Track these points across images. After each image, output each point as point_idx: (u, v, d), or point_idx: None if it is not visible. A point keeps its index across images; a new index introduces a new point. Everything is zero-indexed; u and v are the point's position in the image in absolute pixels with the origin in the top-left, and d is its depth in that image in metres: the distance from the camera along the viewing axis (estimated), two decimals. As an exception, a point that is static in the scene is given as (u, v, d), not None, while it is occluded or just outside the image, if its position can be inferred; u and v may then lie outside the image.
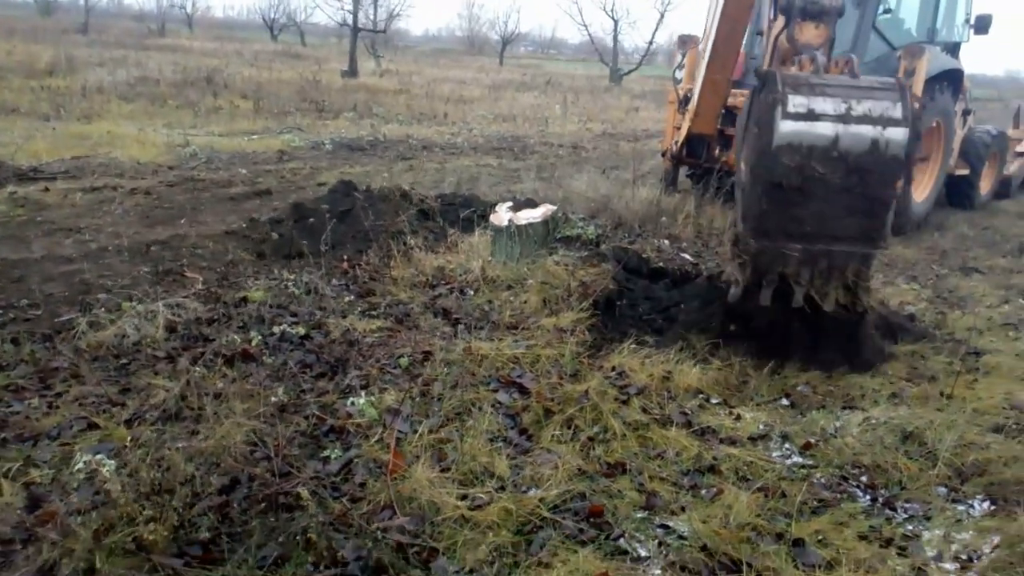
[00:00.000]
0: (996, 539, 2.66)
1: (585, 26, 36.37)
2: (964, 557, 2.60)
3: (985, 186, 9.60)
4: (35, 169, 7.35)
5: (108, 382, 3.42)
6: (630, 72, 36.97)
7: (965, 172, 9.04)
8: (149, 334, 3.84)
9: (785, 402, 3.76)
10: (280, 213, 5.97)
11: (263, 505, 2.53)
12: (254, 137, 10.88)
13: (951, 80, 7.75)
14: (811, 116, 3.62)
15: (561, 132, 15.53)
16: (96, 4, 48.28)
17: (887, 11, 7.73)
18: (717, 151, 7.62)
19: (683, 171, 8.78)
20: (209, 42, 37.07)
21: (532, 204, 5.77)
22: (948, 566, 2.55)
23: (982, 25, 8.54)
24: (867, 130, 3.63)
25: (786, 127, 3.64)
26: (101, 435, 2.97)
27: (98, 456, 2.77)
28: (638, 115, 19.48)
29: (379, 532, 2.47)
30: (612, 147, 14.05)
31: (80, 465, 2.73)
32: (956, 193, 9.20)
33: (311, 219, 5.70)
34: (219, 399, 3.23)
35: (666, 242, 6.37)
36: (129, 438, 2.91)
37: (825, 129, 3.63)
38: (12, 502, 2.53)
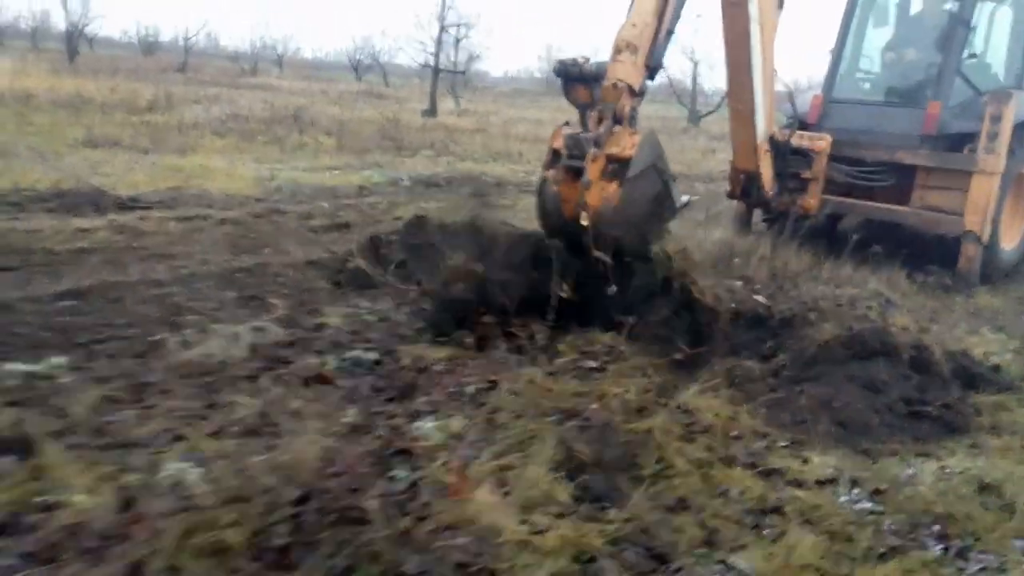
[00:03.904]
0: (1077, 597, 2.56)
1: (664, 68, 36.29)
2: (1041, 613, 2.50)
3: (1080, 237, 9.15)
4: (133, 199, 7.84)
5: (195, 397, 3.63)
6: (708, 114, 36.83)
7: (1057, 223, 8.67)
8: (233, 354, 4.06)
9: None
10: (356, 246, 6.21)
11: (334, 518, 2.65)
12: (336, 172, 11.34)
13: (1043, 128, 7.50)
14: None
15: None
16: (194, 45, 51.21)
17: (973, 55, 7.58)
18: (771, 192, 7.53)
19: (758, 214, 8.71)
20: (297, 81, 38.82)
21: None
22: (1023, 621, 2.47)
23: (1076, 71, 8.26)
24: None
25: None
26: (188, 446, 3.15)
27: (184, 465, 2.96)
28: (715, 157, 19.35)
29: (441, 549, 2.55)
30: (687, 188, 13.99)
31: (168, 472, 2.92)
32: (1049, 244, 8.81)
33: (386, 250, 5.92)
34: (296, 417, 3.39)
35: (739, 283, 6.32)
36: (212, 448, 3.09)
37: None
38: (106, 503, 2.71)
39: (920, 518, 3.05)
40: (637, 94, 4.94)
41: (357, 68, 53.23)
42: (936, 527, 3.00)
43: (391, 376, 4.04)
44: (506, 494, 2.95)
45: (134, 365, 3.93)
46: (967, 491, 3.22)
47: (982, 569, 2.77)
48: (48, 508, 2.68)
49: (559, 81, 5.26)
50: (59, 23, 47.61)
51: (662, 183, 4.82)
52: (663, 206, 4.90)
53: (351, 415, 3.51)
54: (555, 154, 4.93)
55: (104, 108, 15.67)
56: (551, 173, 4.86)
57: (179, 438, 3.23)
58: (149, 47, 51.14)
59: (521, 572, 2.53)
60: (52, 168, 8.50)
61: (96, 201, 7.35)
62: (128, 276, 5.48)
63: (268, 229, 7.23)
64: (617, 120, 4.74)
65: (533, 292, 4.77)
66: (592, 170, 4.59)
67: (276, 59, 58.01)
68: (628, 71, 4.84)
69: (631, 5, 5.12)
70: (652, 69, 5.10)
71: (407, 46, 50.14)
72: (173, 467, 2.95)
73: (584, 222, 4.53)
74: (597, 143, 4.64)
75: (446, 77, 32.68)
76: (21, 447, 3.01)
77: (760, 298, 5.78)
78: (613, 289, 4.70)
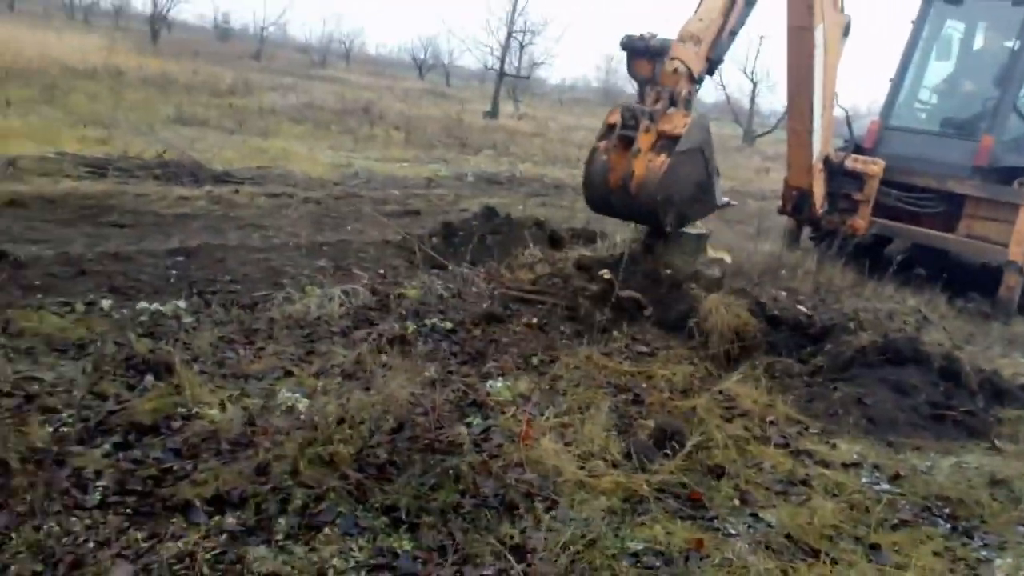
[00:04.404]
0: (1065, 572, 2.91)
1: (723, 86, 36.51)
2: (1031, 582, 2.87)
3: None
4: (227, 173, 8.53)
5: (297, 344, 4.17)
6: (764, 134, 36.78)
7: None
8: (328, 312, 4.59)
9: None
10: (431, 229, 6.73)
11: (423, 445, 3.14)
12: (405, 164, 11.95)
13: (1093, 166, 7.69)
14: None
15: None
16: (267, 34, 52.76)
17: (1030, 93, 7.80)
18: (822, 210, 7.82)
19: (807, 231, 9.00)
20: (364, 76, 39.90)
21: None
22: (1014, 586, 2.84)
23: None
24: None
25: None
26: (296, 381, 3.69)
27: (296, 394, 3.49)
28: (768, 176, 19.55)
29: (513, 479, 3.02)
30: (739, 203, 14.29)
31: (282, 400, 3.45)
32: (1096, 279, 8.94)
33: (458, 236, 6.43)
34: (385, 368, 3.90)
35: (783, 293, 6.66)
36: (318, 385, 3.61)
37: None
38: (233, 417, 3.24)
39: (933, 501, 3.42)
40: (696, 81, 5.30)
41: (421, 67, 54.26)
42: (947, 510, 3.37)
43: (464, 343, 4.52)
44: (567, 445, 3.41)
45: (243, 314, 4.50)
46: (979, 483, 3.57)
47: (984, 545, 3.13)
48: (187, 418, 3.23)
49: (616, 92, 5.66)
50: (137, 4, 49.73)
51: (706, 171, 5.17)
52: (704, 194, 5.24)
53: (431, 371, 4.00)
54: (609, 128, 5.28)
55: (189, 89, 16.57)
56: (603, 144, 5.24)
57: (288, 374, 3.78)
58: (224, 33, 52.90)
59: (579, 505, 2.98)
60: (154, 140, 9.22)
61: (194, 173, 8.03)
62: (228, 240, 6.09)
63: (347, 210, 7.82)
64: (673, 102, 5.11)
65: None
66: (643, 140, 4.97)
67: (344, 53, 59.36)
68: (690, 56, 5.20)
69: (700, 1, 5.49)
70: (713, 62, 5.47)
71: (473, 48, 50.89)
72: (285, 395, 3.48)
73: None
74: (652, 117, 5.01)
75: (508, 81, 33.26)
76: (159, 368, 3.57)
77: (803, 308, 6.14)
78: (650, 311, 5.15)
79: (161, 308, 4.31)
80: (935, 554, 2.99)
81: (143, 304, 4.31)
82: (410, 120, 18.18)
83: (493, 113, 26.28)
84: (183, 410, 3.26)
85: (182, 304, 4.41)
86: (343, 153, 11.87)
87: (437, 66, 55.32)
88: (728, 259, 6.34)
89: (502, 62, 29.48)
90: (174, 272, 5.15)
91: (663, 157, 4.95)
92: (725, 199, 5.61)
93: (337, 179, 9.61)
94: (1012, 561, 3.00)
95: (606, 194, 5.24)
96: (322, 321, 4.52)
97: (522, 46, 35.18)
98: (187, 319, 4.26)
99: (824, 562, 2.80)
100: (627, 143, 5.07)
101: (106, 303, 4.35)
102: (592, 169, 5.30)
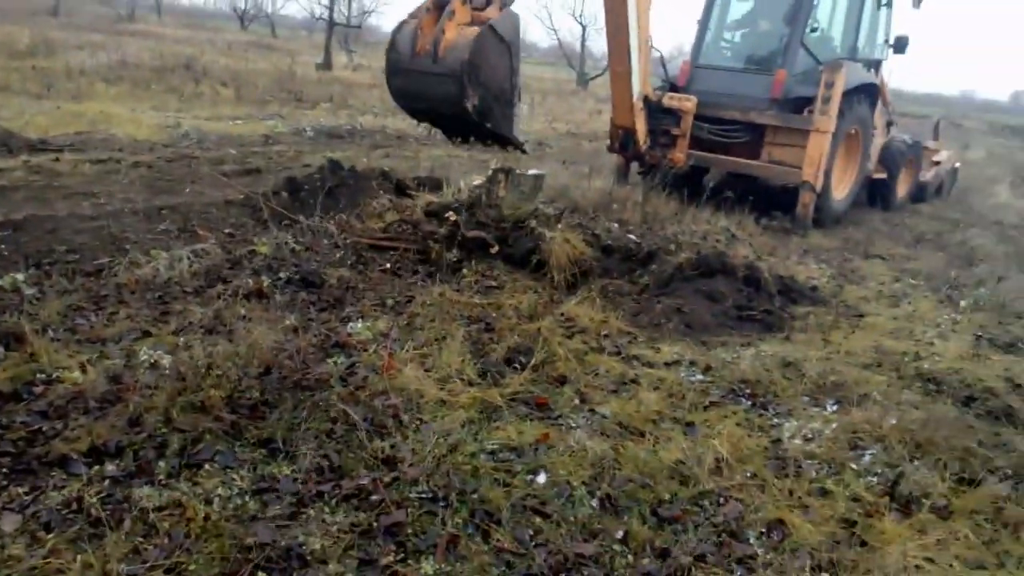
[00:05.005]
0: (834, 426, 3.62)
1: (554, 30, 37.27)
2: (809, 436, 3.54)
3: (902, 190, 10.74)
4: (43, 141, 7.98)
5: (151, 307, 4.20)
6: (596, 77, 38.05)
7: (883, 176, 10.17)
8: (178, 273, 4.62)
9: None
10: (276, 186, 6.73)
11: (292, 384, 3.36)
12: (239, 122, 11.57)
13: (868, 93, 8.83)
14: None
15: (527, 130, 16.34)
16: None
17: (814, 29, 8.77)
18: (645, 146, 8.49)
19: (635, 167, 9.71)
20: (180, 30, 37.22)
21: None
22: (797, 441, 3.50)
23: (900, 46, 9.67)
24: None
25: None
26: (155, 340, 3.76)
27: (157, 352, 3.58)
28: (600, 117, 20.44)
29: (380, 404, 3.32)
30: (574, 145, 15.01)
31: (144, 357, 3.53)
32: (875, 194, 10.33)
33: (303, 191, 6.49)
34: (244, 321, 4.04)
35: (615, 225, 7.27)
36: (179, 341, 3.71)
37: None
38: (97, 378, 3.31)
39: (737, 384, 4.06)
40: None
41: (243, 18, 51.26)
42: (748, 390, 4.02)
43: (320, 292, 4.71)
44: (427, 371, 3.74)
45: (88, 281, 4.44)
46: (773, 366, 4.26)
47: (776, 414, 3.79)
48: (48, 382, 3.27)
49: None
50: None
51: (510, 79, 5.41)
52: (505, 106, 5.49)
53: (292, 319, 4.18)
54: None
55: (-20, 51, 14.99)
56: (414, 20, 5.39)
57: (146, 334, 3.84)
58: (10, -15, 47.27)
59: (441, 419, 3.34)
60: (-48, 109, 8.44)
61: (5, 142, 7.47)
62: (56, 211, 5.82)
63: (182, 173, 7.60)
64: (489, 2, 5.43)
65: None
66: (458, 8, 5.21)
67: (154, 5, 54.86)
68: None
69: None
70: None
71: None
72: (147, 353, 3.56)
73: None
74: None
75: (339, 30, 32.27)
76: (7, 340, 3.54)
77: (632, 236, 6.76)
78: (496, 249, 5.51)
79: (-3, 282, 4.19)
80: (737, 425, 3.60)
81: (-25, 280, 4.17)
82: (238, 75, 17.42)
83: (326, 64, 25.56)
84: (42, 376, 3.29)
85: (20, 277, 4.28)
86: (169, 113, 11.32)
87: (260, 16, 52.57)
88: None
89: (331, 11, 28.53)
90: (3, 246, 4.92)
91: (475, 28, 5.19)
92: (523, 139, 5.90)
93: (167, 141, 9.23)
94: (797, 423, 3.67)
95: (410, 64, 5.29)
96: (173, 283, 4.55)
97: (351, -6, 34.17)
98: (28, 291, 4.16)
99: (648, 439, 3.33)
100: (440, 10, 5.24)
101: (-67, 282, 4.16)
102: (400, 36, 5.34)
